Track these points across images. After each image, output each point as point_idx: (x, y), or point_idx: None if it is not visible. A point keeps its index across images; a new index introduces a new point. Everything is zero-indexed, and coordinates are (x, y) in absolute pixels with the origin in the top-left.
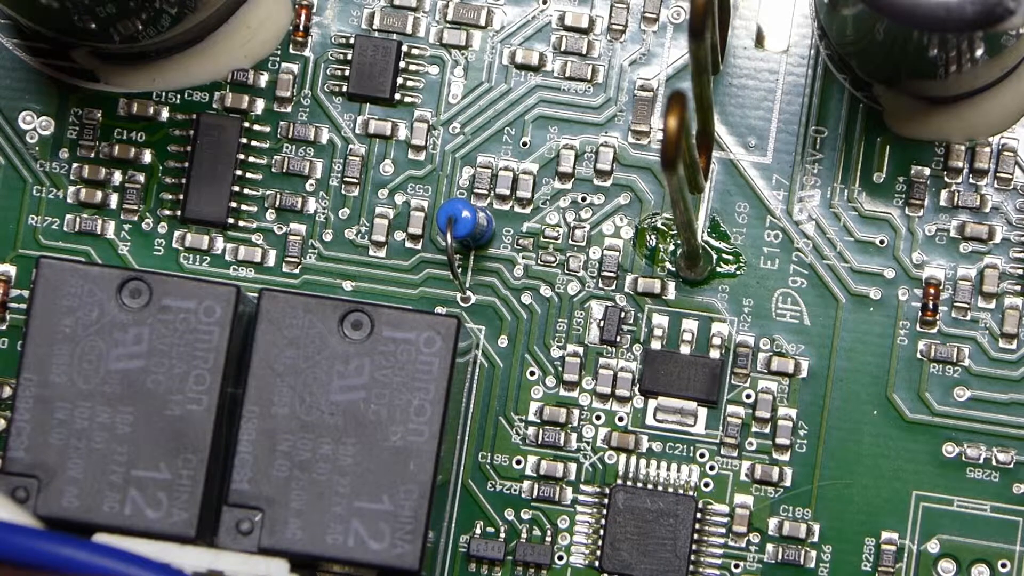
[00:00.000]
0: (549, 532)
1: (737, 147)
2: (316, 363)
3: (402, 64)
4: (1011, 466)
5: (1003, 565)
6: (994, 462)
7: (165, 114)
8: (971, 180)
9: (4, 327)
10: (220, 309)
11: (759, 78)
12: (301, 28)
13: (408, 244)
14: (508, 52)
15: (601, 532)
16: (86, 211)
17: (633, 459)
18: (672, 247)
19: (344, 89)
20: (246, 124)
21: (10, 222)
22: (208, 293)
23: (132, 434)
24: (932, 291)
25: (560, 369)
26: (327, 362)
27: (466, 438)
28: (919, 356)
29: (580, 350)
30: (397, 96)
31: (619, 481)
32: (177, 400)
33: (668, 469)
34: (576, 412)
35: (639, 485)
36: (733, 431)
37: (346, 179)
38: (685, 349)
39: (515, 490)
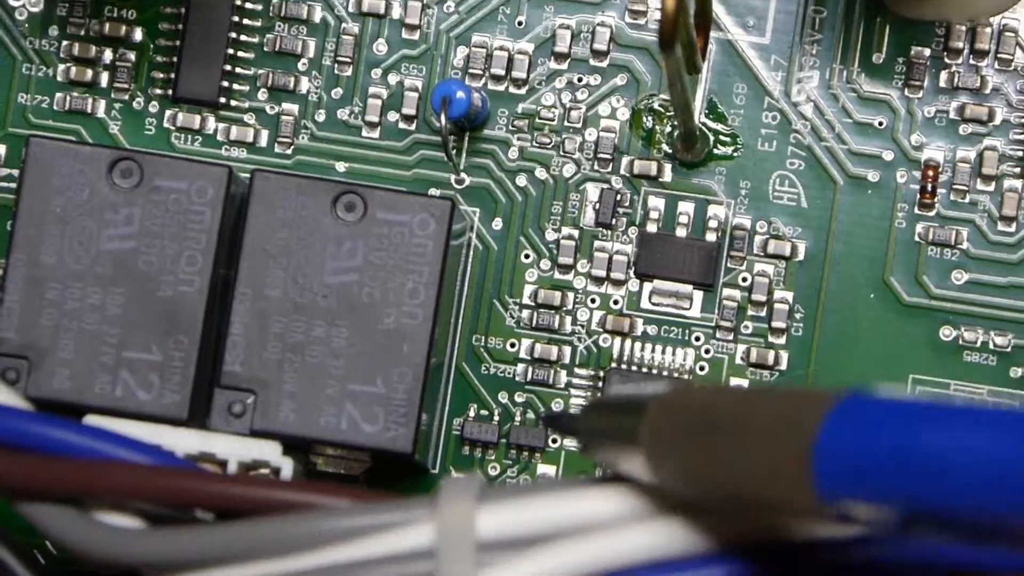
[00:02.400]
0: (543, 415)
1: (735, 27)
2: (309, 245)
3: None
4: (1008, 350)
5: None
6: (991, 346)
7: None
8: (971, 61)
9: None
10: (212, 190)
11: None
12: None
13: (402, 125)
14: None
15: None
16: (76, 90)
17: (628, 342)
18: (669, 129)
19: None
20: (238, 2)
21: None
22: (200, 173)
23: (123, 315)
24: (931, 173)
25: (555, 252)
26: (320, 244)
27: (460, 321)
28: (917, 239)
29: (575, 233)
30: None
31: (613, 364)
32: (169, 281)
33: (663, 352)
34: (571, 295)
35: (634, 368)
36: (729, 314)
37: (339, 58)
38: (681, 232)
39: (509, 373)
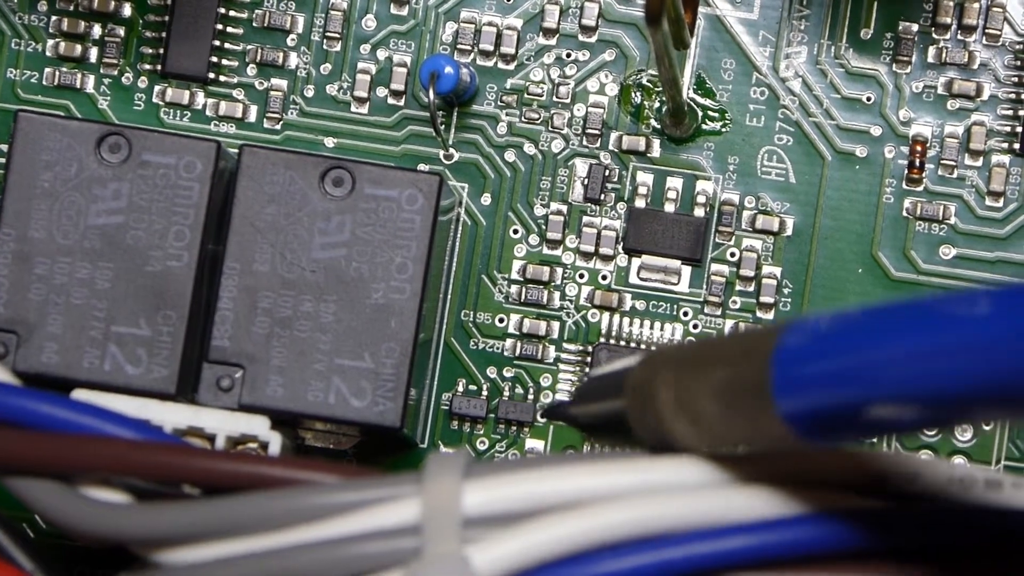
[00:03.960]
0: (532, 390)
1: (723, 2)
2: (297, 220)
3: None
4: None
5: (986, 423)
6: None
7: None
8: (959, 36)
9: None
10: (200, 165)
11: None
12: None
13: (391, 100)
14: None
15: None
16: (65, 65)
17: (616, 317)
18: (657, 104)
19: None
20: None
21: None
22: (188, 148)
23: (112, 290)
24: (919, 148)
25: (543, 227)
26: (308, 219)
27: (449, 296)
28: (905, 214)
29: (564, 208)
30: None
31: (602, 339)
32: (157, 256)
33: (651, 327)
34: (559, 270)
35: (622, 343)
36: (717, 289)
37: (328, 34)
38: (669, 207)
39: (498, 348)
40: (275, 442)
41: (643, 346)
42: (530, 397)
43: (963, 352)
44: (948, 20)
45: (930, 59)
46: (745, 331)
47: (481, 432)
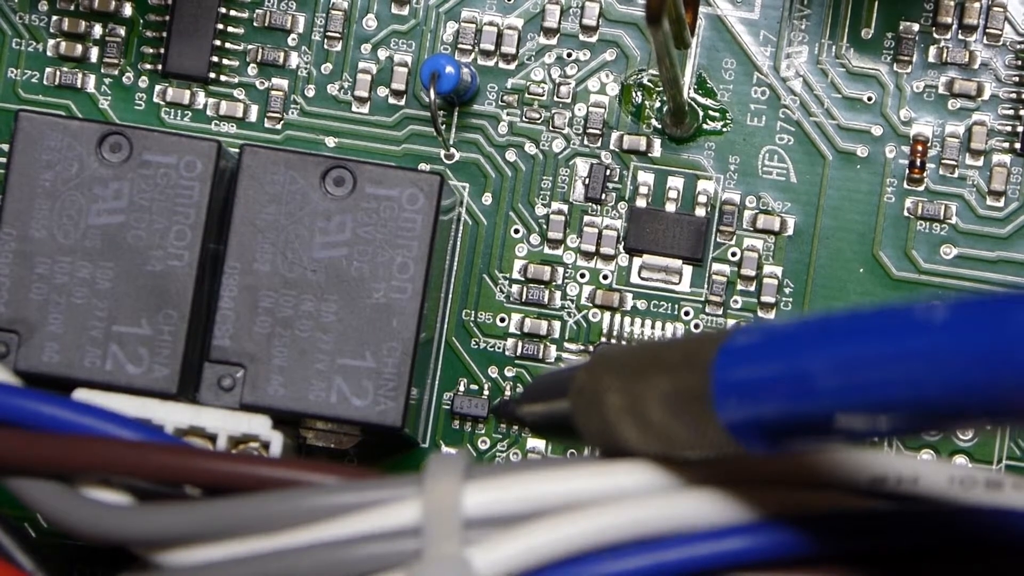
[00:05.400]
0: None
1: (724, 2)
2: (298, 219)
3: None
4: None
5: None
6: None
7: None
8: (960, 36)
9: None
10: (201, 164)
11: None
12: None
13: (391, 100)
14: None
15: None
16: (66, 64)
17: (617, 317)
18: (658, 104)
19: None
20: None
21: None
22: (189, 148)
23: (113, 289)
24: (920, 148)
25: (544, 227)
26: (309, 218)
27: (450, 296)
28: (906, 214)
29: (565, 208)
30: None
31: (603, 339)
32: (158, 256)
33: (652, 327)
34: (560, 270)
35: (623, 343)
36: (718, 289)
37: (329, 33)
38: (670, 207)
39: (499, 348)
40: (276, 442)
41: None
42: None
43: (893, 361)
44: (949, 20)
45: (931, 59)
46: (688, 337)
47: (482, 432)
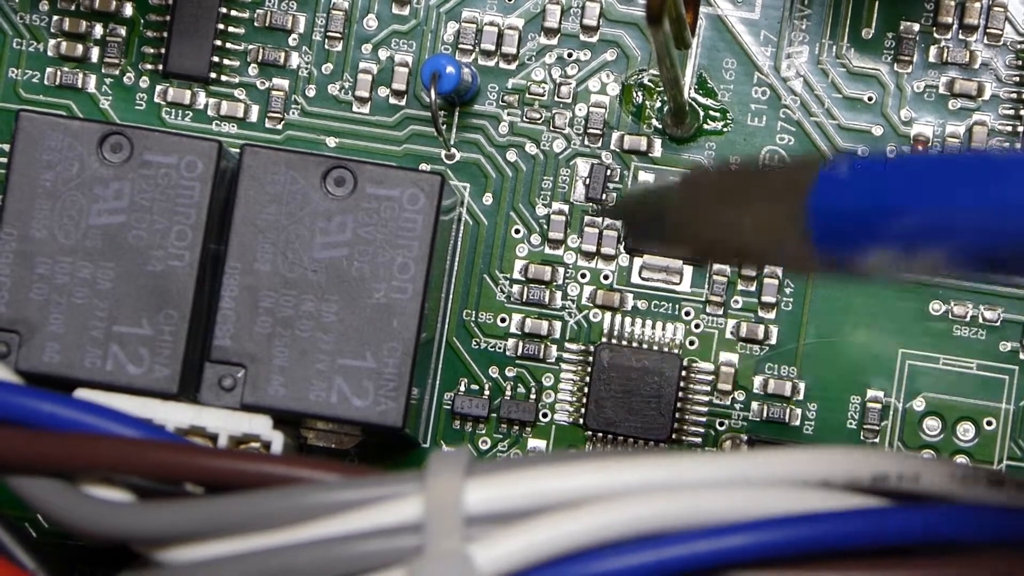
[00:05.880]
0: (533, 390)
1: (724, 2)
2: (299, 219)
3: None
4: (998, 324)
5: (988, 423)
6: (981, 320)
7: None
8: (960, 36)
9: None
10: (202, 164)
11: None
12: None
13: (392, 100)
14: None
15: (586, 390)
16: (67, 65)
17: (618, 317)
18: (659, 104)
19: None
20: None
21: None
22: (190, 148)
23: (113, 290)
24: (920, 148)
25: (545, 227)
26: (310, 219)
27: (450, 296)
28: None
29: (565, 208)
30: None
31: (604, 339)
32: (159, 256)
33: (653, 327)
34: (561, 270)
35: (624, 343)
36: (719, 289)
37: (329, 33)
38: None
39: (499, 348)
40: (277, 442)
41: (645, 347)
42: (532, 397)
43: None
44: (949, 20)
45: (931, 59)
46: (780, 165)
47: (483, 432)
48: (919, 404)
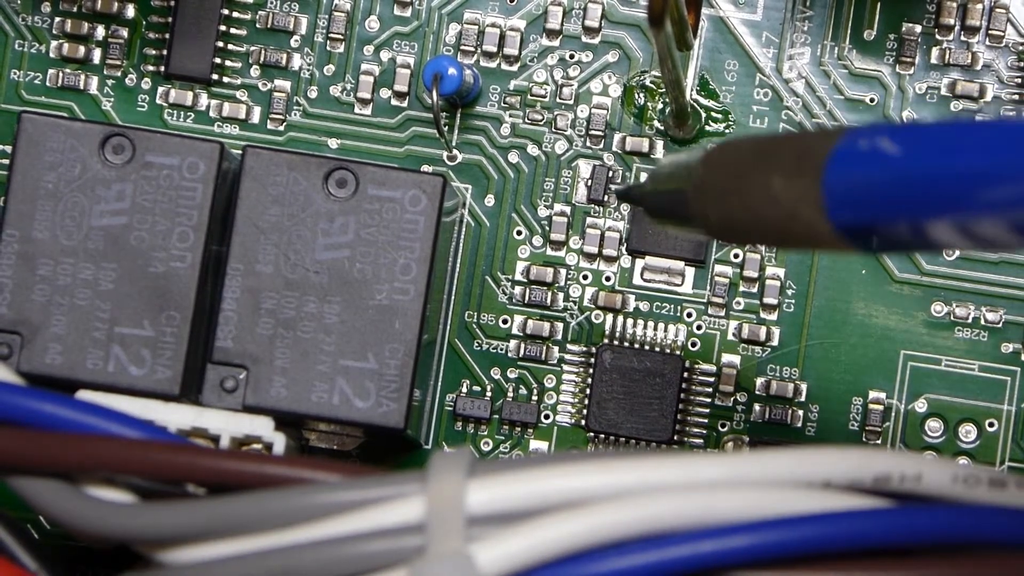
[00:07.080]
0: (535, 391)
1: (726, 4)
2: (300, 221)
3: None
4: (999, 325)
5: (991, 424)
6: (983, 321)
7: None
8: (962, 37)
9: None
10: (204, 166)
11: None
12: None
13: (394, 101)
14: None
15: (587, 391)
16: (69, 66)
17: (620, 318)
18: (660, 105)
19: None
20: None
21: None
22: (192, 149)
23: (115, 291)
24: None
25: (547, 228)
26: (312, 220)
27: (452, 297)
28: None
29: (567, 209)
30: None
31: (606, 340)
32: (160, 257)
33: (655, 329)
34: (563, 271)
35: (626, 344)
36: (720, 290)
37: (331, 35)
38: None
39: (501, 349)
40: (279, 443)
41: (647, 348)
42: (534, 398)
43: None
44: (951, 21)
45: (933, 60)
46: (799, 134)
47: (485, 433)
48: (921, 405)
